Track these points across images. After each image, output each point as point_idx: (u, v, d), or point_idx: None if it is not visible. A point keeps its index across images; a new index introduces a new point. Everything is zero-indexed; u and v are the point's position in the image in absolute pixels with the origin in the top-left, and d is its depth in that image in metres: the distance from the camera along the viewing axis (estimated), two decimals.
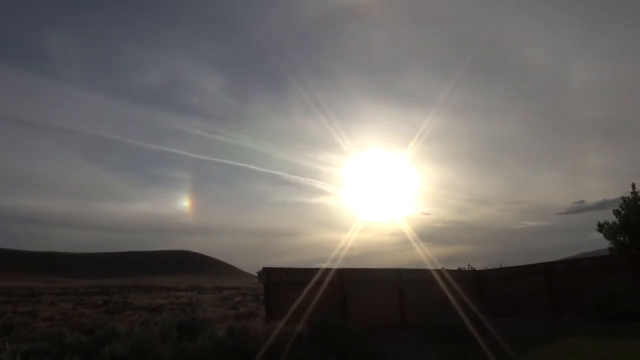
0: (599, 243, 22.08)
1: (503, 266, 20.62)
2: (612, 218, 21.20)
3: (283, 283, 11.89)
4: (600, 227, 21.51)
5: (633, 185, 20.81)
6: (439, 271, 17.07)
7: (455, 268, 20.55)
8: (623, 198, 20.95)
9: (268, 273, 11.69)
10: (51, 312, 32.44)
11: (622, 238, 20.81)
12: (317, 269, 13.08)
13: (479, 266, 21.46)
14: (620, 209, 20.93)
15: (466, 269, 21.31)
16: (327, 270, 13.03)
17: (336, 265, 13.59)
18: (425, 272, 16.96)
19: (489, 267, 20.98)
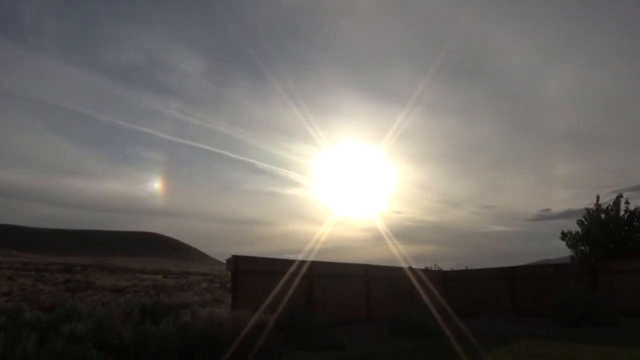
0: (562, 251, 22.72)
1: (469, 268, 21.08)
2: (575, 227, 21.85)
3: (251, 272, 11.84)
4: (564, 236, 22.14)
5: (597, 197, 21.46)
6: (406, 269, 17.34)
7: (423, 267, 20.93)
8: (587, 209, 21.59)
9: (236, 261, 11.61)
10: (9, 287, 31.51)
11: (583, 247, 21.46)
12: (286, 260, 13.08)
13: (445, 266, 21.88)
14: (583, 220, 21.54)
15: (433, 268, 21.69)
16: (296, 261, 13.05)
17: (305, 258, 13.62)
18: (393, 269, 17.20)
19: (456, 268, 21.42)
